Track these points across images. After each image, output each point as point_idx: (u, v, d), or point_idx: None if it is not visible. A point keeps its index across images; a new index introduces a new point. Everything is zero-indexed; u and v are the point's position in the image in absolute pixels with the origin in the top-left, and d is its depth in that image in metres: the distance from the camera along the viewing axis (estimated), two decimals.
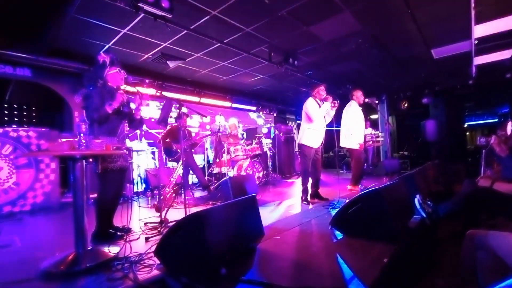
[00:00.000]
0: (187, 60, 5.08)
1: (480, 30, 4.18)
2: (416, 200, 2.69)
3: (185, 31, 3.88)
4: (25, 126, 4.23)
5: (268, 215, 3.13)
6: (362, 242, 2.06)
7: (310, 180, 3.85)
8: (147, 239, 2.41)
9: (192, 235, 1.61)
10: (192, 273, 1.57)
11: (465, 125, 9.28)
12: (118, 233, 2.51)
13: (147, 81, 2.59)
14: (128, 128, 2.74)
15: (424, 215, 2.61)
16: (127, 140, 5.43)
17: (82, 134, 1.82)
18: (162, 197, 3.00)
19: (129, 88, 2.70)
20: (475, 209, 2.44)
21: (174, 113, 5.14)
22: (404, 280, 1.88)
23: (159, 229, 2.66)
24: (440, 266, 2.23)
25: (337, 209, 2.40)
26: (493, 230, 1.63)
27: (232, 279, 1.53)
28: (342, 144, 4.38)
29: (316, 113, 3.68)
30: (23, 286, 1.61)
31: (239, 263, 1.77)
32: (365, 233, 2.11)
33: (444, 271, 2.08)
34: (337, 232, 2.32)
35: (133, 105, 2.69)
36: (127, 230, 2.57)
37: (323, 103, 3.75)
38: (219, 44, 4.32)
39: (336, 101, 3.79)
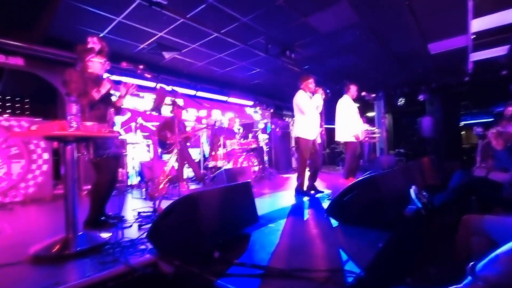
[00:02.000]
0: (183, 51, 5.02)
1: (477, 25, 4.19)
2: (411, 190, 2.68)
3: (181, 20, 3.82)
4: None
5: (263, 205, 3.10)
6: (357, 229, 2.05)
7: (307, 173, 3.83)
8: (139, 226, 2.37)
9: (185, 217, 1.58)
10: (185, 256, 1.54)
11: (461, 124, 9.35)
12: (110, 221, 2.48)
13: (141, 66, 2.52)
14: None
15: (420, 205, 2.60)
16: (121, 131, 5.37)
17: (72, 116, 1.77)
18: (156, 186, 2.96)
19: (113, 77, 2.61)
20: (470, 198, 2.44)
21: (169, 108, 5.09)
22: (397, 266, 1.87)
23: (152, 218, 2.63)
24: (434, 255, 2.23)
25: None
26: (488, 215, 1.63)
27: (225, 262, 1.51)
28: (337, 138, 4.38)
29: (308, 105, 3.66)
30: (12, 269, 1.57)
31: (233, 248, 1.75)
32: (360, 221, 2.10)
33: (437, 260, 2.08)
34: (333, 220, 2.31)
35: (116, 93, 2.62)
36: (120, 218, 2.54)
37: (313, 95, 3.73)
38: (215, 34, 4.27)
39: (326, 93, 3.79)
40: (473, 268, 1.03)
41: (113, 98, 2.60)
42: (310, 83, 3.77)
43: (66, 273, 1.50)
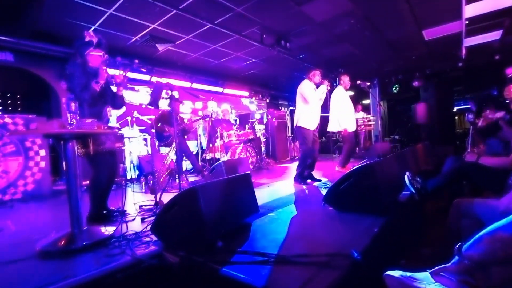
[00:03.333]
0: (177, 43, 4.96)
1: (471, 10, 4.19)
2: (405, 176, 2.76)
3: (174, 11, 3.76)
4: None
5: (262, 195, 3.16)
6: (354, 216, 2.12)
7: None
8: (142, 219, 2.42)
9: (188, 209, 1.63)
10: (189, 247, 1.60)
11: (455, 110, 9.46)
12: (113, 215, 2.52)
13: (136, 61, 2.52)
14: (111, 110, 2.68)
15: (413, 191, 2.69)
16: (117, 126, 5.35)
17: (71, 114, 1.78)
18: (156, 179, 3.00)
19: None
20: (462, 182, 2.53)
21: (166, 101, 5.06)
22: (393, 249, 1.96)
23: (154, 210, 2.68)
24: (427, 237, 2.34)
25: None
26: (478, 198, 1.71)
27: (228, 251, 1.57)
28: (331, 128, 4.47)
29: (313, 95, 3.72)
30: (20, 265, 1.62)
31: (235, 237, 1.81)
32: (356, 208, 2.17)
33: (430, 242, 2.19)
34: (330, 208, 2.38)
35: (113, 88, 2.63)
36: (122, 212, 2.59)
37: (318, 86, 3.79)
38: (209, 25, 4.22)
39: (332, 85, 3.86)
40: (459, 248, 1.11)
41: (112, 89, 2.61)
42: (318, 74, 3.84)
43: (75, 267, 1.56)
